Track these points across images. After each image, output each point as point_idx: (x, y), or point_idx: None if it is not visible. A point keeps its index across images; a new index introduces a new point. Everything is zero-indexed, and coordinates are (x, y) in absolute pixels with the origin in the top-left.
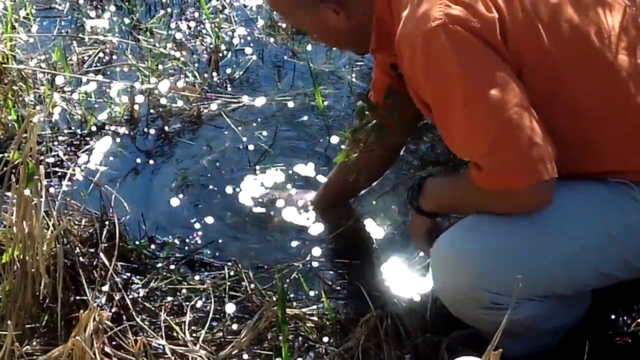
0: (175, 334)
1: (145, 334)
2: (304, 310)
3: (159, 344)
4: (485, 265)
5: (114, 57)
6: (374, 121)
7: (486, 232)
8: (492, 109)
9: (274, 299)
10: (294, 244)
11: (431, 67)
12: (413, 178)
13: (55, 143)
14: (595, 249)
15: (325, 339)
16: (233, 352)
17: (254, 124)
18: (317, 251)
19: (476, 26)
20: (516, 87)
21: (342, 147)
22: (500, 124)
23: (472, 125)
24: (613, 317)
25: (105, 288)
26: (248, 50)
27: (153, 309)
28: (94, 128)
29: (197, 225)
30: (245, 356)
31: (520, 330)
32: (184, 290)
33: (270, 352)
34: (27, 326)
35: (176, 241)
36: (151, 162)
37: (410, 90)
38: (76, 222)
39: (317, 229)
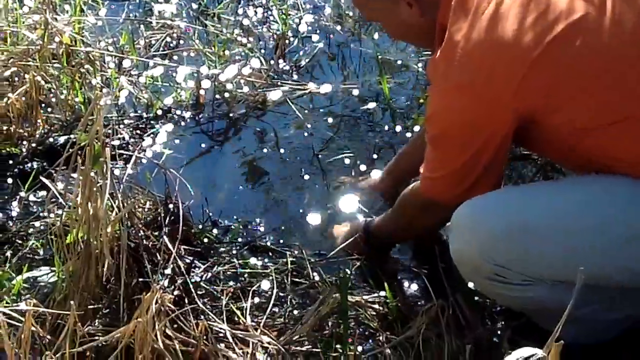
0: (236, 319)
1: (206, 318)
2: (365, 297)
3: (220, 328)
4: (496, 237)
5: (181, 41)
6: None
7: (505, 204)
8: None
9: (336, 285)
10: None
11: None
12: None
13: (121, 126)
14: (610, 242)
15: (386, 327)
16: (294, 338)
17: (319, 111)
18: None
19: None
20: None
21: (408, 135)
22: None
23: None
24: None
25: (168, 271)
26: (315, 37)
27: (215, 293)
28: (159, 112)
29: (261, 211)
30: (306, 342)
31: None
32: (246, 275)
33: (331, 339)
34: (90, 307)
35: (239, 226)
36: (216, 147)
37: None
38: (140, 205)
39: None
